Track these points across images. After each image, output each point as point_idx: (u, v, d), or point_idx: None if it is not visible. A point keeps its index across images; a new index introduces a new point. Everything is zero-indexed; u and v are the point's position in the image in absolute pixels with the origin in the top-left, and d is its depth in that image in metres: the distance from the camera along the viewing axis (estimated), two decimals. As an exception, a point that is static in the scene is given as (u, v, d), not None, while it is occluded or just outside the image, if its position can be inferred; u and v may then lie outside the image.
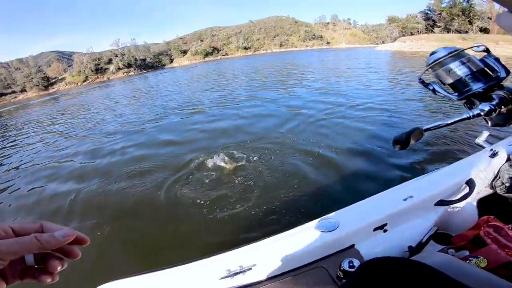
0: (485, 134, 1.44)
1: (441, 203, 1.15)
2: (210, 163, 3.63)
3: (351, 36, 58.99)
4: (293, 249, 0.90)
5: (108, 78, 48.57)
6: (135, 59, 53.01)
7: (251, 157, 3.68)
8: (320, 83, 10.23)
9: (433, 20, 37.75)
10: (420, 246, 1.08)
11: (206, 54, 57.91)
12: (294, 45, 59.84)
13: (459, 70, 0.75)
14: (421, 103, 6.15)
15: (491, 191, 1.35)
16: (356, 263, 0.81)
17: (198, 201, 2.86)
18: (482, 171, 1.29)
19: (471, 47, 0.75)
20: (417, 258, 0.79)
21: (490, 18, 30.81)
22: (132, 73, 50.37)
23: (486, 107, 0.71)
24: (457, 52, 0.75)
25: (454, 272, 0.57)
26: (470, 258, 0.88)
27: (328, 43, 59.12)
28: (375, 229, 1.00)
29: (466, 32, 31.28)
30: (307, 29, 61.75)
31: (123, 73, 50.00)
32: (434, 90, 0.84)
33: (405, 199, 1.07)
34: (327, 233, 0.93)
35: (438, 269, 0.58)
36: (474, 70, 0.74)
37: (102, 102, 14.16)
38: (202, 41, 62.45)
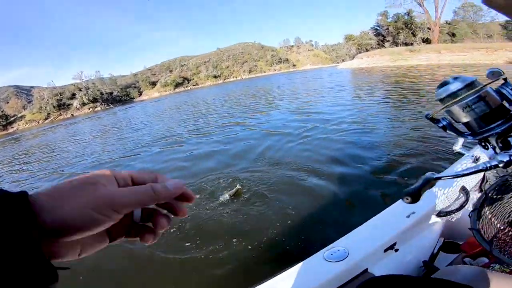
0: (461, 140, 1.39)
1: (443, 214, 1.17)
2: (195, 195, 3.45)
3: (314, 57, 63.24)
4: (304, 286, 0.85)
5: (72, 114, 46.12)
6: (101, 93, 51.23)
7: (238, 185, 3.51)
8: (294, 104, 10.63)
9: (383, 35, 42.10)
10: (433, 258, 1.11)
11: (176, 85, 57.97)
12: (263, 70, 62.36)
13: (476, 107, 0.64)
14: (387, 115, 6.59)
15: (481, 194, 1.38)
16: None
17: (187, 243, 2.59)
18: (469, 177, 1.32)
19: (491, 81, 0.63)
20: (442, 274, 0.77)
21: (430, 29, 35.09)
22: (98, 108, 48.40)
23: (505, 157, 0.61)
24: (474, 85, 0.65)
25: (491, 284, 0.57)
26: (492, 265, 0.88)
27: (294, 65, 62.58)
28: (385, 250, 0.99)
29: (412, 44, 35.16)
30: (273, 54, 65.13)
31: (89, 109, 47.86)
32: (444, 128, 0.74)
33: (408, 216, 1.08)
34: (339, 262, 0.90)
35: (470, 283, 0.59)
36: (493, 106, 0.64)
37: (69, 140, 13.29)
38: (171, 71, 62.76)
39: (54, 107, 46.30)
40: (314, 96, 12.11)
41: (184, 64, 64.71)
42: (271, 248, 2.35)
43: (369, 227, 1.08)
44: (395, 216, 1.12)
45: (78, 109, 47.56)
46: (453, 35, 34.73)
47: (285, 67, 61.94)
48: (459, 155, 1.37)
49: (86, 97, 48.81)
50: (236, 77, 61.12)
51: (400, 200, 1.21)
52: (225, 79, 60.73)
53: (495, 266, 0.86)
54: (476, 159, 1.38)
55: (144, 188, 0.26)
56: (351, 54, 45.83)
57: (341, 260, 0.90)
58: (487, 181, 1.26)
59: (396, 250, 1.02)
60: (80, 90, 49.68)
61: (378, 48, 39.54)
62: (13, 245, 0.18)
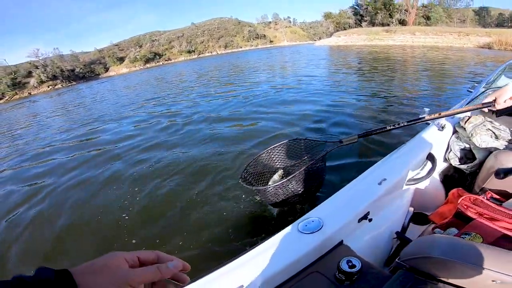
0: (426, 110, 1.54)
1: (412, 181, 1.18)
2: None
3: (291, 33, 62.16)
4: (280, 260, 0.80)
5: (30, 93, 41.52)
6: (61, 70, 46.47)
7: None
8: (291, 78, 10.44)
9: (361, 15, 42.12)
10: (404, 229, 1.12)
11: (147, 60, 54.21)
12: (239, 45, 60.27)
13: None
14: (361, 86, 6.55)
15: (445, 164, 1.45)
16: (356, 261, 0.74)
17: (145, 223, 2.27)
18: (436, 145, 1.35)
19: None
20: (415, 246, 0.73)
21: (407, 11, 35.49)
22: (59, 85, 44.00)
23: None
24: None
25: (466, 253, 0.61)
26: (462, 236, 0.86)
27: (271, 41, 61.14)
28: (359, 220, 0.97)
29: (388, 25, 35.47)
30: (250, 29, 62.81)
31: (48, 87, 43.34)
32: None
33: (380, 183, 1.06)
34: (313, 234, 0.86)
35: (443, 254, 0.62)
36: None
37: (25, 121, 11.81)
38: (141, 46, 58.30)
39: (8, 86, 41.26)
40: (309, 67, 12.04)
41: (156, 40, 60.23)
42: (241, 225, 2.12)
43: (343, 196, 1.05)
44: (367, 184, 1.09)
45: (35, 87, 42.89)
46: (428, 18, 35.55)
47: (262, 43, 60.32)
48: (425, 124, 1.55)
49: (44, 75, 43.95)
50: (211, 52, 58.43)
51: (370, 168, 1.20)
52: (199, 54, 57.77)
53: (465, 237, 0.86)
54: (442, 127, 1.45)
55: (152, 268, 0.34)
56: (329, 32, 45.56)
57: (315, 231, 0.87)
58: (450, 150, 1.38)
59: (370, 220, 1.01)
60: (37, 67, 44.49)
61: (356, 27, 39.42)
62: None
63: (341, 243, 0.89)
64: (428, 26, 31.53)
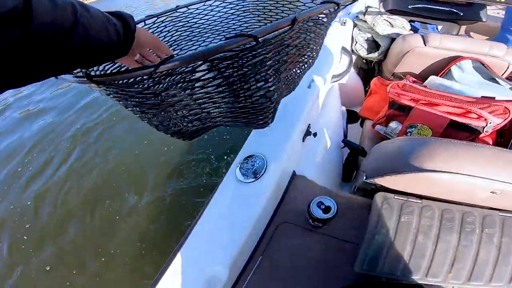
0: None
1: (334, 78, 1.11)
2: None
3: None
4: (231, 227, 0.59)
5: None
6: None
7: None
8: None
9: None
10: (345, 134, 1.12)
11: None
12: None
13: None
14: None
15: (353, 56, 1.49)
16: (328, 202, 0.59)
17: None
18: (343, 39, 1.37)
19: None
20: (380, 155, 0.65)
21: None
22: None
23: None
24: None
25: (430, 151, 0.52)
26: (409, 130, 0.82)
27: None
28: (304, 138, 0.81)
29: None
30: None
31: None
32: None
33: (309, 87, 0.92)
34: (262, 178, 0.64)
35: (423, 162, 0.52)
36: None
37: None
38: None
39: None
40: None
41: None
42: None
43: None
44: (296, 90, 0.85)
45: None
46: None
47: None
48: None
49: None
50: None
51: None
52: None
53: (412, 130, 0.81)
54: (344, 22, 1.45)
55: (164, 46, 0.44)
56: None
57: (263, 174, 0.65)
58: (356, 42, 1.46)
59: (315, 135, 0.85)
60: None
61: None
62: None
63: (294, 175, 0.72)
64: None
